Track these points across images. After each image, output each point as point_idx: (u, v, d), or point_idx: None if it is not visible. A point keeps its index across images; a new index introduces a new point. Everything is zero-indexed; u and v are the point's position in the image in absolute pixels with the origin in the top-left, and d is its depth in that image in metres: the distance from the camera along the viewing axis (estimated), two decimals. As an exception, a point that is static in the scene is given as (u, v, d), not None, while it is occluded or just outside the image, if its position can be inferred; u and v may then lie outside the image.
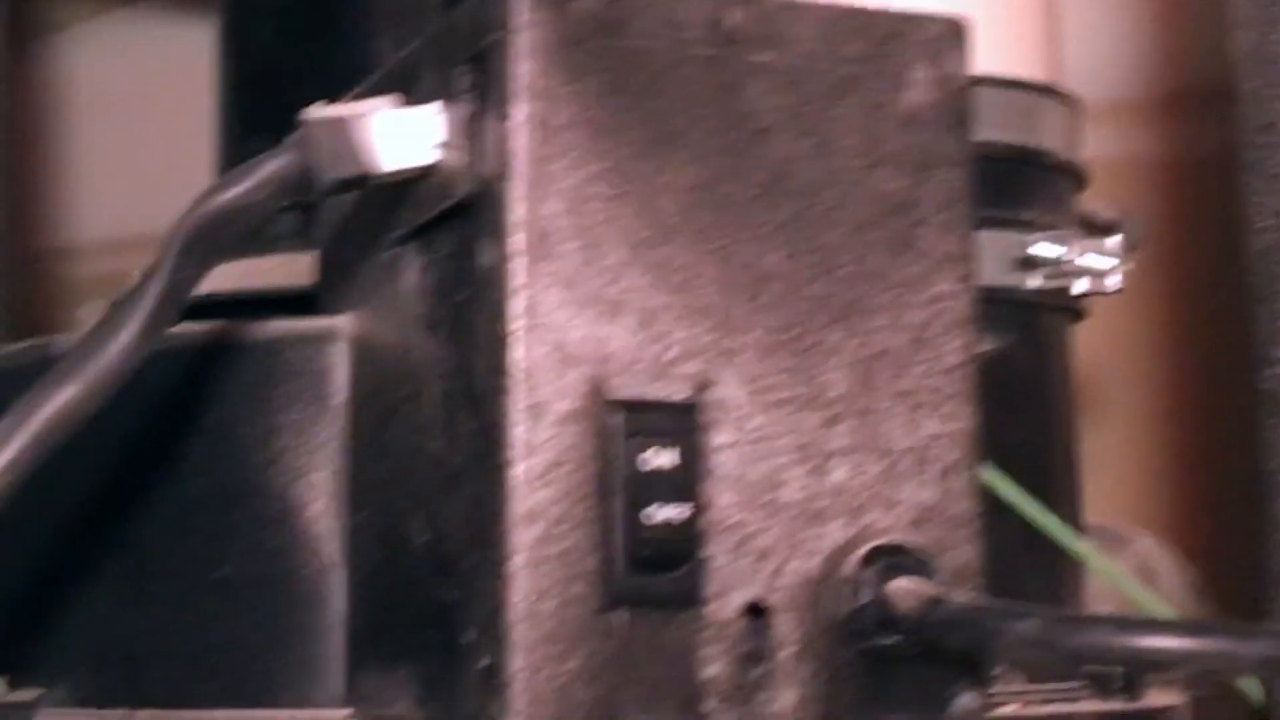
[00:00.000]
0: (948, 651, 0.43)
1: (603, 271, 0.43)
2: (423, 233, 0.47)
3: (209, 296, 0.60)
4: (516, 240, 0.42)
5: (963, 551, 0.45)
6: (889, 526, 0.44)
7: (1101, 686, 0.61)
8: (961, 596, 0.43)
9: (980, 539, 0.45)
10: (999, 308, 0.63)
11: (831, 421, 0.44)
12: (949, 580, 0.44)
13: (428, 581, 0.46)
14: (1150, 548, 0.72)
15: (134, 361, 0.44)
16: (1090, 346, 0.93)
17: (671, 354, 0.43)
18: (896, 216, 0.45)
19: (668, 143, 0.43)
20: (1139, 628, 0.40)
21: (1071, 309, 0.65)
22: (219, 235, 0.45)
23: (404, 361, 0.48)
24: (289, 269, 0.60)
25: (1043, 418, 0.65)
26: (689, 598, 0.42)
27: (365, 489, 0.50)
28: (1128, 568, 0.71)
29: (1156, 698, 0.63)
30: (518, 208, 0.42)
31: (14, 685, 0.53)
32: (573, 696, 0.42)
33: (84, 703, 0.52)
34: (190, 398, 0.52)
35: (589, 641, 0.42)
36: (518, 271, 0.42)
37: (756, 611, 0.43)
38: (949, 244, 0.46)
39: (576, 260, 0.42)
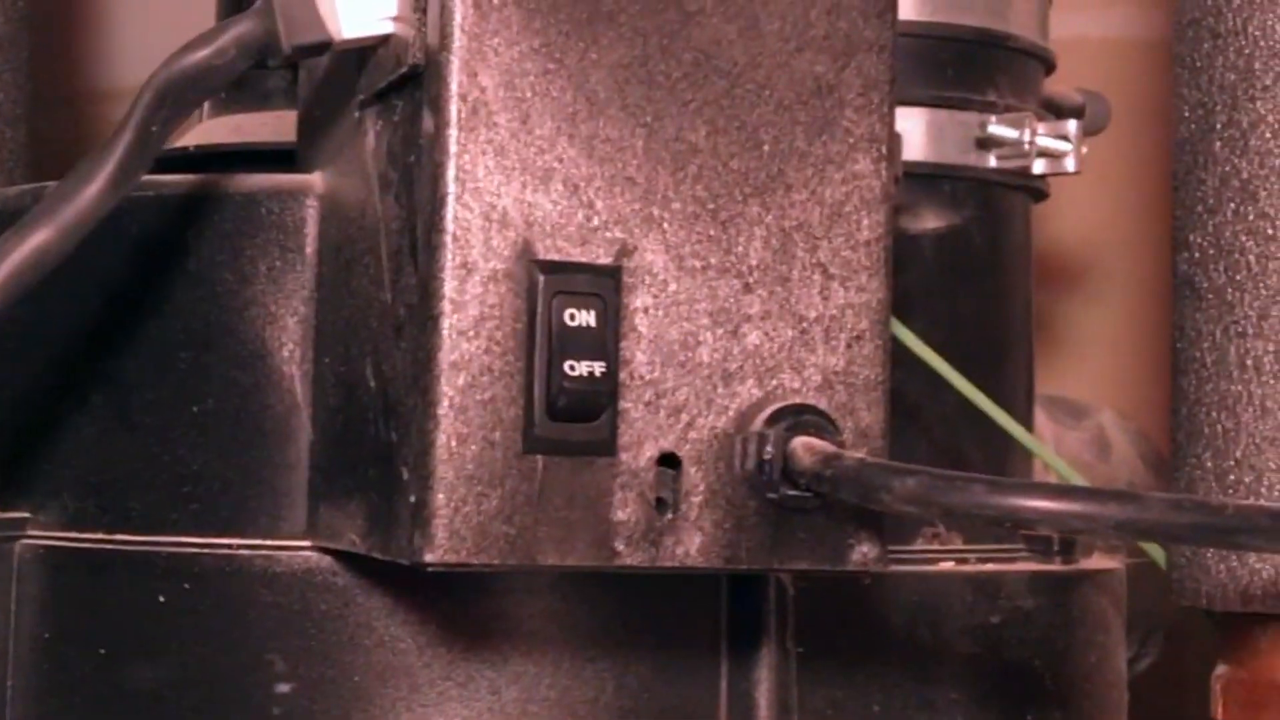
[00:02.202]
0: (842, 504, 0.46)
1: (533, 142, 0.46)
2: (381, 98, 0.50)
3: (202, 148, 0.64)
4: (453, 110, 0.45)
5: (866, 414, 0.48)
6: (797, 389, 0.48)
7: (1039, 548, 0.64)
8: (857, 454, 0.47)
9: (885, 404, 0.48)
10: (958, 185, 0.66)
11: (747, 289, 0.48)
12: (853, 441, 0.48)
13: (375, 423, 0.49)
14: (1109, 420, 0.75)
15: (104, 208, 0.47)
16: (1087, 225, 0.96)
17: (596, 221, 0.46)
18: (819, 98, 0.48)
19: (600, 22, 0.46)
20: (1009, 488, 0.43)
21: (1032, 189, 0.68)
22: (186, 93, 0.48)
23: (363, 218, 0.51)
24: (278, 126, 0.63)
25: (998, 293, 0.67)
26: (604, 446, 0.46)
27: (329, 335, 0.54)
28: (1084, 439, 0.74)
29: (1093, 561, 0.66)
30: (454, 80, 0.45)
31: (4, 508, 0.57)
32: (491, 533, 0.45)
33: (67, 526, 0.56)
34: (173, 244, 0.56)
35: (508, 483, 0.45)
36: (453, 139, 0.45)
37: (668, 462, 0.47)
38: (869, 126, 0.49)
39: (509, 130, 0.46)
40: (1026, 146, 0.65)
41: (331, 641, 0.53)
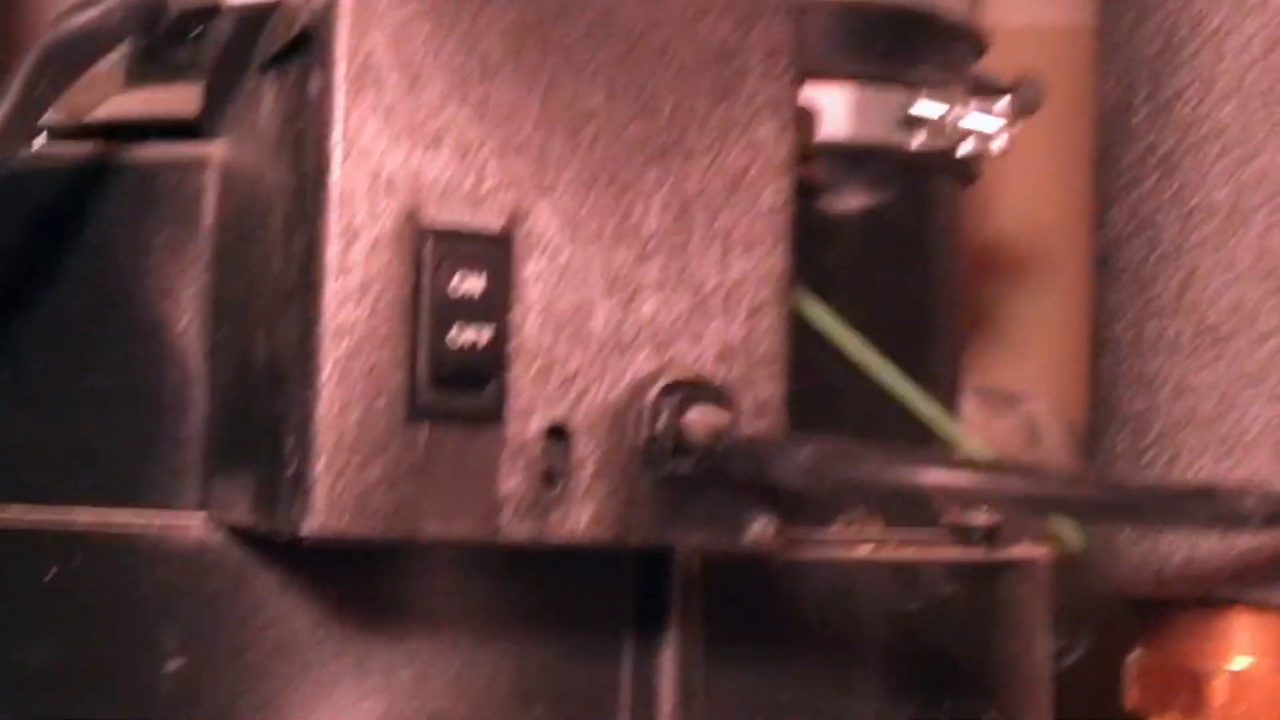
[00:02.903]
0: (734, 479, 0.45)
1: (423, 104, 0.45)
2: (276, 63, 0.49)
3: (111, 120, 0.63)
4: (339, 71, 0.44)
5: (765, 387, 0.47)
6: (694, 360, 0.47)
7: (962, 536, 0.63)
8: (751, 428, 0.45)
9: (784, 377, 0.47)
10: (882, 164, 0.64)
11: (644, 257, 0.46)
12: (750, 414, 0.47)
13: (265, 394, 0.48)
14: (1040, 411, 0.74)
15: (-16, 175, 0.46)
16: (1032, 217, 0.95)
17: (487, 186, 0.45)
18: (721, 63, 0.47)
19: (494, -18, 0.45)
20: (904, 460, 0.42)
21: (959, 171, 0.67)
22: (71, 56, 0.47)
23: (259, 186, 0.50)
24: (189, 98, 0.62)
25: (923, 277, 0.66)
26: (490, 416, 0.45)
27: (225, 307, 0.53)
28: (1014, 427, 0.73)
29: (1019, 550, 0.65)
30: (341, 39, 0.44)
31: (-104, 480, 0.56)
32: (373, 503, 0.44)
33: (-40, 496, 0.55)
34: (70, 215, 0.55)
35: (391, 453, 0.44)
36: (339, 101, 0.44)
37: (557, 433, 0.45)
38: (772, 92, 0.47)
39: (397, 92, 0.44)
40: (953, 126, 0.64)
41: (223, 619, 0.52)
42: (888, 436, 0.63)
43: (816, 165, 0.62)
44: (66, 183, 0.55)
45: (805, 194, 0.61)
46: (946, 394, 0.66)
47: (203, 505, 0.53)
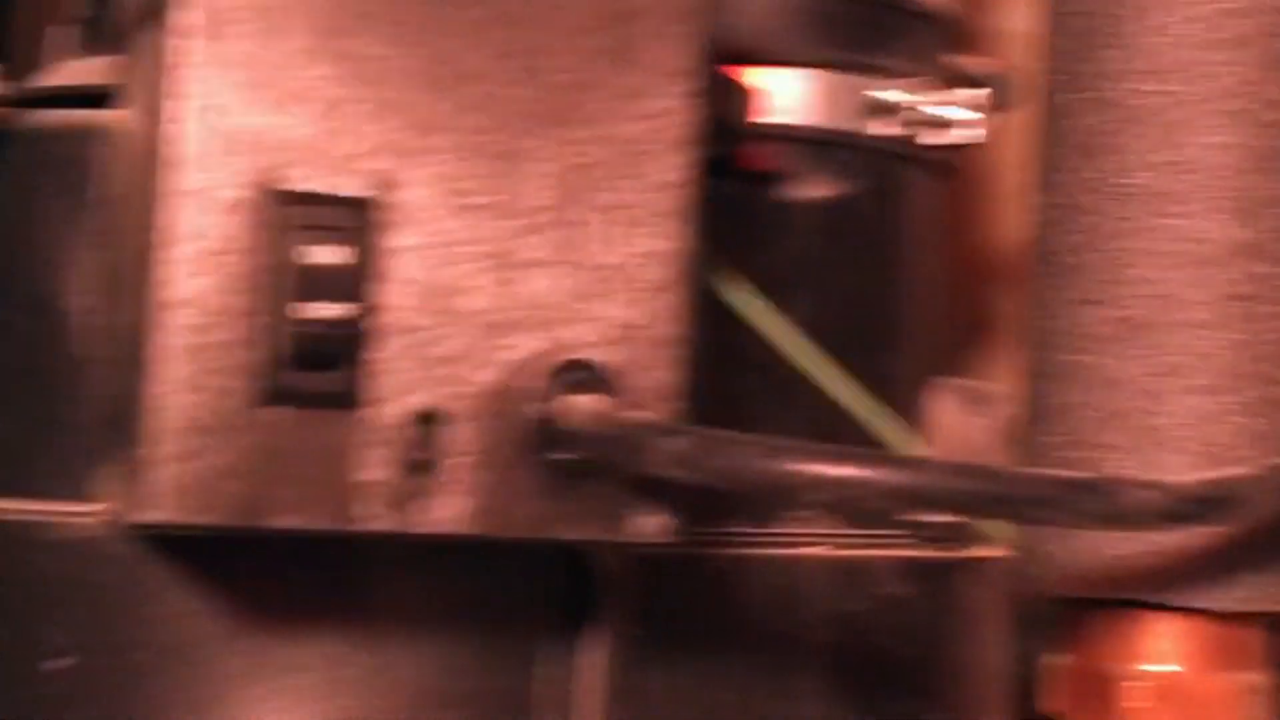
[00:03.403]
0: (613, 468, 0.42)
1: (283, 58, 0.41)
2: (154, 17, 0.46)
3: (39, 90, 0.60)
4: (187, 18, 0.41)
5: (662, 372, 0.44)
6: (583, 342, 0.43)
7: (922, 535, 0.60)
8: (635, 415, 0.42)
9: (683, 362, 0.44)
10: (846, 153, 0.61)
11: (529, 231, 0.43)
12: (647, 401, 0.43)
13: (128, 371, 0.45)
14: (1017, 409, 0.71)
15: None
16: (1028, 221, 0.91)
17: (354, 149, 0.42)
18: (619, 24, 0.44)
19: (366, -72, 0.42)
20: (785, 452, 0.39)
21: (931, 164, 0.63)
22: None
23: (139, 150, 0.47)
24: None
25: (890, 270, 0.63)
26: (349, 399, 0.42)
27: (110, 284, 0.50)
28: (989, 427, 0.69)
29: (977, 549, 0.61)
30: (189, -16, 0.41)
31: None
32: (219, 491, 0.41)
33: None
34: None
35: (240, 436, 0.41)
36: (186, 51, 0.41)
37: (427, 418, 0.42)
38: (674, 58, 0.44)
39: (253, 44, 0.41)
40: (919, 114, 0.60)
41: (115, 614, 0.49)
42: (844, 431, 0.60)
43: (777, 152, 0.59)
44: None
45: (765, 181, 0.58)
46: (908, 389, 0.62)
47: (93, 493, 0.50)
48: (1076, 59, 0.47)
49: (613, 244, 0.43)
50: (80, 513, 0.50)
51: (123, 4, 0.53)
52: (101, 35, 0.62)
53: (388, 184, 0.42)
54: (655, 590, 0.52)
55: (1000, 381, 0.76)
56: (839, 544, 0.57)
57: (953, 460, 0.38)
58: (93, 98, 0.58)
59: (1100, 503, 0.37)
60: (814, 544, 0.57)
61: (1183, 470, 0.45)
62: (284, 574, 0.49)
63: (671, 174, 0.44)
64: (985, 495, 0.37)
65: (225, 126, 0.41)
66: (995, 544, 0.61)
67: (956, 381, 0.69)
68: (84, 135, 0.51)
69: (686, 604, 0.53)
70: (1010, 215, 0.90)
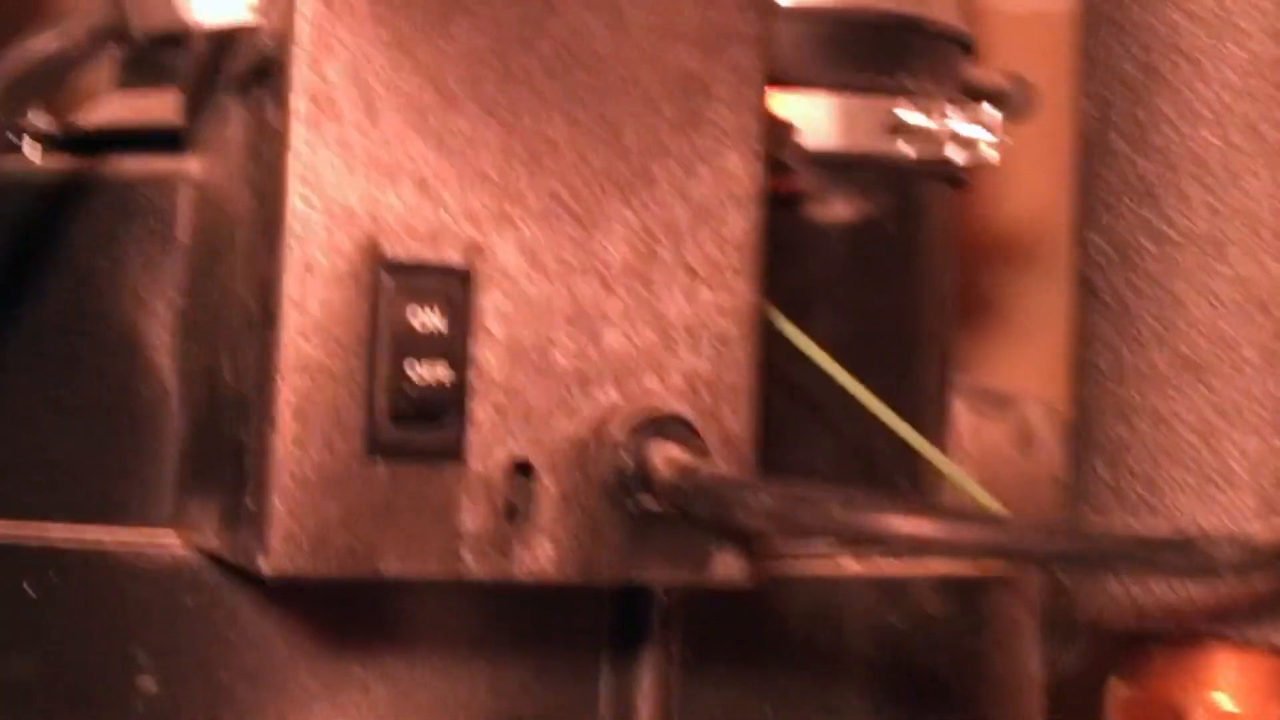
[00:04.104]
0: (698, 517, 0.45)
1: (381, 136, 0.44)
2: (242, 88, 0.48)
3: (98, 128, 0.63)
4: (296, 103, 0.44)
5: (732, 421, 0.47)
6: (659, 394, 0.46)
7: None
8: (717, 465, 0.45)
9: (753, 410, 0.47)
10: (869, 173, 0.63)
11: (608, 290, 0.46)
12: (717, 449, 0.46)
13: (231, 420, 0.48)
14: (1035, 412, 0.73)
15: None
16: (1039, 204, 0.94)
17: (446, 219, 0.45)
18: (687, 91, 0.46)
19: (454, 11, 0.45)
20: (865, 506, 0.42)
21: (949, 177, 0.66)
22: (33, 80, 0.46)
23: (228, 207, 0.50)
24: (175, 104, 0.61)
25: (913, 286, 0.65)
26: (451, 452, 0.44)
27: (198, 326, 0.52)
28: (1006, 431, 0.72)
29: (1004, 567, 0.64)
30: (299, 71, 0.44)
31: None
32: (332, 542, 0.44)
33: (-63, 511, 0.55)
34: (47, 228, 0.55)
35: (350, 490, 0.44)
36: (296, 133, 0.44)
37: (521, 469, 0.45)
38: (739, 120, 0.47)
39: (355, 125, 0.44)
40: (940, 133, 0.63)
41: (198, 638, 0.52)
42: (877, 449, 0.63)
43: (803, 174, 0.62)
44: (44, 196, 0.54)
45: (792, 203, 0.61)
46: (935, 404, 0.65)
47: (176, 523, 0.53)
48: (1131, 104, 0.50)
49: (686, 299, 0.46)
50: (164, 541, 0.53)
51: (194, 54, 0.56)
52: (145, 73, 0.64)
53: (478, 251, 0.45)
54: (706, 611, 0.55)
55: (1011, 383, 0.78)
56: (875, 561, 0.60)
57: (1038, 519, 0.41)
58: (152, 135, 0.60)
59: (1185, 559, 0.39)
60: (854, 563, 0.60)
61: (1238, 507, 0.48)
62: (357, 601, 0.52)
63: (739, 231, 0.47)
64: (1075, 554, 0.40)
65: (330, 201, 0.44)
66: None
67: (971, 385, 0.71)
68: (164, 183, 0.54)
69: (735, 623, 0.55)
70: (1011, 203, 0.92)
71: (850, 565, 0.59)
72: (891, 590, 0.58)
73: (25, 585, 0.53)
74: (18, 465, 0.54)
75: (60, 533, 0.53)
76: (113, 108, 0.64)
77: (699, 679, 0.55)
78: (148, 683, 0.52)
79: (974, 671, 0.60)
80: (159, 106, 0.63)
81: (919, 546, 0.41)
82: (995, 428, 0.71)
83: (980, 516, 0.41)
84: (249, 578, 0.52)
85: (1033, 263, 0.94)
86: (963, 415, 0.69)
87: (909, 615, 0.58)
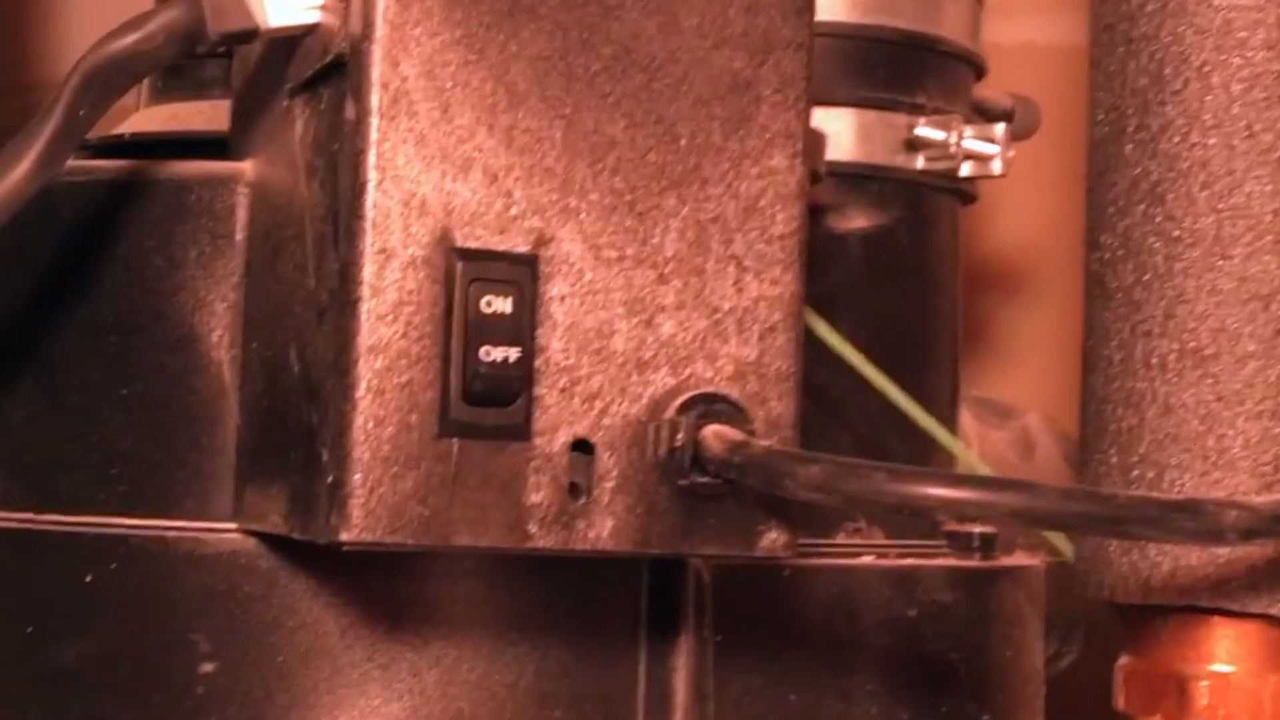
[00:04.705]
0: (750, 491, 0.47)
1: (453, 131, 0.47)
2: (309, 87, 0.51)
3: (138, 136, 0.65)
4: (374, 98, 0.46)
5: (778, 404, 0.49)
6: (710, 378, 0.49)
7: (959, 545, 0.65)
8: (765, 443, 0.48)
9: (796, 394, 0.50)
10: (886, 186, 0.67)
11: (662, 280, 0.49)
12: (763, 430, 0.49)
13: (298, 406, 0.50)
14: (1035, 422, 0.76)
15: (30, 191, 0.48)
16: (1028, 231, 0.97)
17: (514, 210, 0.47)
18: (736, 94, 0.49)
19: (521, 14, 0.47)
20: (908, 476, 0.44)
21: (960, 191, 0.69)
22: (113, 77, 0.49)
23: (290, 205, 0.52)
24: (214, 114, 0.64)
25: (924, 294, 0.69)
26: (518, 431, 0.47)
27: (256, 321, 0.55)
28: (1009, 439, 0.75)
29: (1013, 559, 0.67)
30: (376, 69, 0.46)
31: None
32: (406, 514, 0.46)
33: (-2, 505, 0.57)
34: (104, 229, 0.57)
35: (424, 465, 0.46)
36: (374, 127, 0.46)
37: (582, 447, 0.48)
38: (785, 122, 0.50)
39: (429, 120, 0.47)
40: (954, 149, 0.66)
41: (255, 623, 0.54)
42: (890, 449, 0.66)
43: (822, 186, 0.65)
44: (100, 198, 0.57)
45: (812, 214, 0.64)
46: (945, 406, 0.68)
47: (235, 514, 0.55)
48: (1141, 114, 0.53)
49: (735, 289, 0.49)
50: (222, 529, 0.55)
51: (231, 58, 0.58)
52: (184, 84, 0.67)
53: (543, 240, 0.47)
54: (732, 598, 0.57)
55: (1004, 394, 0.82)
56: (889, 554, 0.63)
57: (1061, 485, 0.44)
58: (195, 143, 0.63)
59: (1195, 522, 0.42)
60: (868, 554, 0.62)
61: (1239, 488, 0.51)
62: (406, 585, 0.55)
63: (785, 226, 0.49)
64: (1094, 515, 0.42)
65: (407, 193, 0.46)
66: (1033, 553, 0.66)
67: (975, 397, 0.75)
68: (221, 183, 0.56)
69: (761, 612, 0.58)
70: (1004, 229, 0.95)
71: (866, 557, 0.62)
72: (904, 580, 0.61)
73: (85, 575, 0.55)
74: (79, 460, 0.57)
75: (122, 523, 0.56)
76: (151, 118, 0.67)
77: (729, 663, 0.58)
78: (208, 667, 0.54)
79: (981, 660, 0.62)
80: (197, 116, 0.65)
81: (957, 511, 0.44)
82: (998, 436, 0.74)
83: (1009, 483, 0.43)
84: (305, 563, 0.54)
85: (1022, 289, 0.97)
86: (968, 424, 0.72)
87: (920, 604, 0.61)
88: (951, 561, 0.63)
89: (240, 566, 0.54)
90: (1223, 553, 0.51)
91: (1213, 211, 0.52)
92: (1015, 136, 0.69)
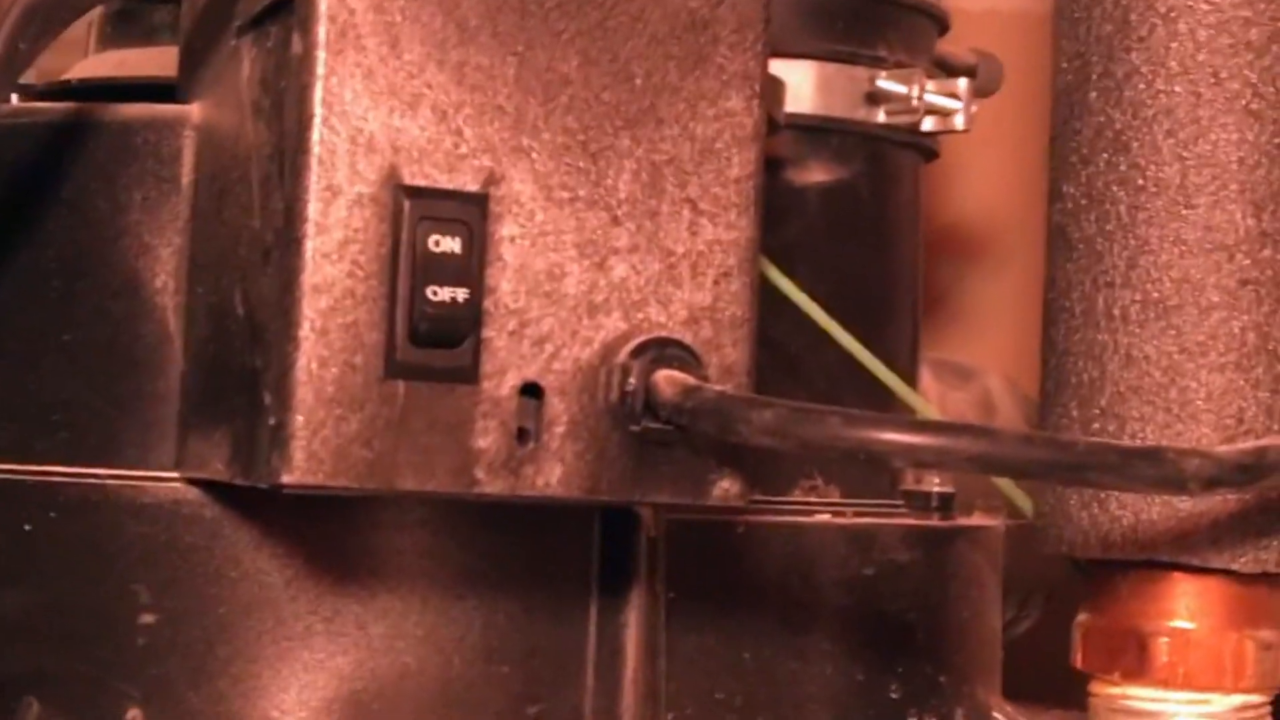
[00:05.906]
0: (702, 436, 0.46)
1: (402, 67, 0.46)
2: (257, 24, 0.50)
3: (85, 82, 0.64)
4: (320, 32, 0.45)
5: (731, 351, 0.48)
6: (663, 323, 0.48)
7: (918, 505, 0.65)
8: (718, 388, 0.47)
9: (750, 341, 0.49)
10: (846, 139, 0.66)
11: (615, 222, 0.48)
12: (716, 376, 0.48)
13: (242, 350, 0.49)
14: (996, 384, 0.75)
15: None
16: (992, 198, 0.96)
17: (464, 148, 0.46)
18: (693, 33, 0.48)
19: (472, -52, 0.46)
20: (864, 422, 0.43)
21: (922, 147, 0.68)
22: (54, 12, 0.48)
23: (236, 146, 0.51)
24: (163, 60, 0.63)
25: (884, 248, 0.68)
26: (466, 373, 0.46)
27: (201, 265, 0.54)
28: (969, 400, 0.74)
29: (971, 519, 0.66)
30: (322, 2, 0.45)
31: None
32: (350, 457, 0.45)
33: (-64, 453, 0.56)
34: (48, 172, 0.56)
35: (369, 407, 0.45)
36: (320, 61, 0.45)
37: (531, 391, 0.47)
38: (742, 63, 0.49)
39: (377, 55, 0.46)
40: (915, 103, 0.66)
41: (198, 573, 0.53)
42: (847, 403, 0.65)
43: (782, 139, 0.64)
44: (44, 141, 0.56)
45: (770, 167, 0.63)
46: (906, 363, 0.67)
47: (178, 462, 0.54)
48: (1105, 60, 0.52)
49: (689, 233, 0.48)
50: (164, 478, 0.54)
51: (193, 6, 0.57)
52: (132, 30, 0.65)
53: (494, 179, 0.46)
54: (685, 554, 0.57)
55: (966, 358, 0.81)
56: (848, 513, 0.62)
57: (1021, 430, 0.43)
58: (142, 88, 0.61)
59: (1157, 469, 0.41)
60: (824, 512, 0.61)
61: (1201, 440, 0.50)
62: (352, 536, 0.54)
63: (741, 169, 0.49)
64: (1054, 462, 0.42)
65: (354, 129, 0.45)
66: (993, 515, 0.66)
67: (935, 358, 0.74)
68: (166, 127, 0.55)
69: (715, 569, 0.57)
70: (966, 195, 0.95)
71: (822, 515, 0.61)
72: (861, 539, 0.60)
73: (24, 524, 0.54)
74: (18, 407, 0.55)
75: (60, 472, 0.54)
76: (98, 64, 0.66)
77: (681, 620, 0.57)
78: (148, 618, 0.53)
79: (938, 620, 0.62)
80: (146, 62, 0.64)
81: (913, 458, 0.43)
82: (959, 396, 0.73)
83: (968, 428, 0.43)
84: (249, 514, 0.53)
85: (983, 254, 0.96)
86: (929, 385, 0.72)
87: (877, 563, 0.60)
88: (909, 520, 0.63)
89: (182, 516, 0.53)
90: (1183, 506, 0.50)
91: (1178, 160, 0.51)
92: (978, 93, 0.68)
